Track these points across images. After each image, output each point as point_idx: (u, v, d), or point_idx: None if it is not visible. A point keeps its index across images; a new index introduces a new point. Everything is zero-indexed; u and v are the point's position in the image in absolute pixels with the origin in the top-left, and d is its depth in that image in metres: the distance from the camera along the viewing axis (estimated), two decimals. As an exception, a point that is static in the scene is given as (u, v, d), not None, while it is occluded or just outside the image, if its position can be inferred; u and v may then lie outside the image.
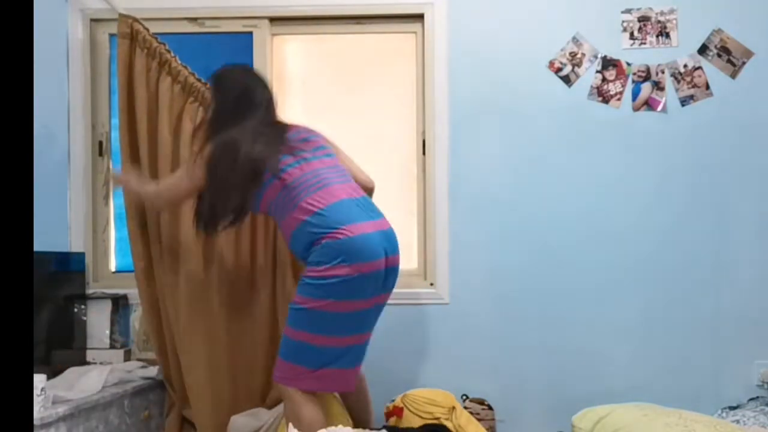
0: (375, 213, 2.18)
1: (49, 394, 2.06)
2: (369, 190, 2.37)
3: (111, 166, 2.95)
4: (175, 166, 2.59)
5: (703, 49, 2.82)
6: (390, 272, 2.16)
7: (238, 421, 2.43)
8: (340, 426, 2.04)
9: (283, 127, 2.28)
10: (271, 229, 2.61)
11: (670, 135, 2.82)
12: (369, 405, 2.41)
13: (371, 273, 2.05)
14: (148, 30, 2.64)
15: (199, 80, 2.64)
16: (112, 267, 2.97)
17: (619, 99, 2.83)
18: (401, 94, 2.93)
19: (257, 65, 2.90)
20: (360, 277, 2.03)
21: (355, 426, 2.28)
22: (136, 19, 2.63)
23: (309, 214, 2.07)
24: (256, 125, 2.20)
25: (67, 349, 2.65)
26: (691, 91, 2.82)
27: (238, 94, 2.25)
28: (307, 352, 2.08)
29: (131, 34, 2.62)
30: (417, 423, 2.47)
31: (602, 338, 2.81)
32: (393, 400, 2.56)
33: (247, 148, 2.14)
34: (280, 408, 2.43)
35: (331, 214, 2.06)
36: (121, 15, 2.64)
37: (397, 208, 2.79)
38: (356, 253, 2.02)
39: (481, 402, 2.73)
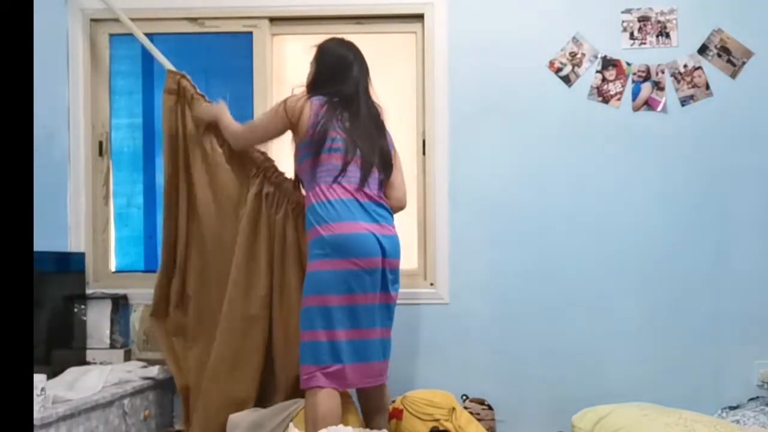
0: (380, 218, 2.27)
1: (49, 394, 2.06)
2: (395, 208, 2.42)
3: (111, 166, 2.95)
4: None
5: (703, 49, 2.82)
6: (389, 274, 2.25)
7: (235, 416, 2.44)
8: (341, 426, 2.07)
9: (383, 126, 2.41)
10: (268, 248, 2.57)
11: (670, 135, 2.82)
12: (386, 412, 2.44)
13: (366, 270, 2.17)
14: (195, 87, 2.63)
15: None
16: (112, 267, 2.97)
17: (619, 99, 2.83)
18: (401, 95, 2.91)
19: (257, 65, 2.90)
20: (354, 272, 2.16)
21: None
22: (183, 76, 2.62)
23: (318, 200, 2.22)
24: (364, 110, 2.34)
25: (67, 349, 2.64)
26: (691, 91, 2.82)
27: (336, 64, 2.36)
28: (316, 350, 2.16)
29: (178, 90, 2.61)
30: (417, 425, 2.47)
31: (602, 338, 2.80)
32: (393, 402, 2.55)
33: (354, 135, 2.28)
34: (282, 406, 2.43)
35: (335, 208, 2.20)
36: (169, 71, 2.64)
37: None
38: (347, 248, 2.16)
39: (481, 402, 2.73)
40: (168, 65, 2.68)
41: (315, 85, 2.37)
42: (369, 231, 2.20)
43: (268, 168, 2.57)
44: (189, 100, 2.62)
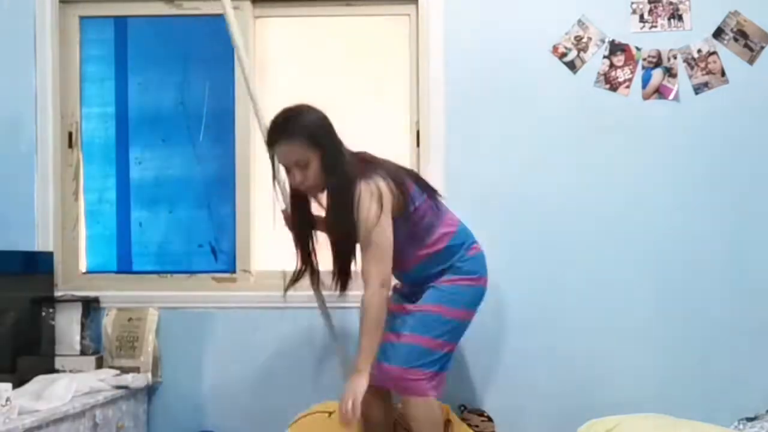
0: None
1: (14, 405, 2.02)
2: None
3: (81, 159, 2.93)
4: None
5: (718, 33, 2.78)
6: None
7: None
8: None
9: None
10: None
11: (682, 125, 2.77)
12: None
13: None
14: None
15: None
16: (83, 267, 2.95)
17: (628, 86, 2.78)
18: (393, 81, 2.90)
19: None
20: (485, 289, 2.37)
21: None
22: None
23: (456, 227, 2.34)
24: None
25: (34, 356, 2.62)
26: (706, 78, 2.78)
27: (333, 128, 2.28)
28: (445, 359, 2.27)
29: None
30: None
31: (610, 344, 2.76)
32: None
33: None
34: None
35: (469, 230, 2.39)
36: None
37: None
38: (486, 267, 2.36)
39: (479, 413, 2.70)
40: None
41: (336, 166, 2.20)
42: None
43: None
44: None
